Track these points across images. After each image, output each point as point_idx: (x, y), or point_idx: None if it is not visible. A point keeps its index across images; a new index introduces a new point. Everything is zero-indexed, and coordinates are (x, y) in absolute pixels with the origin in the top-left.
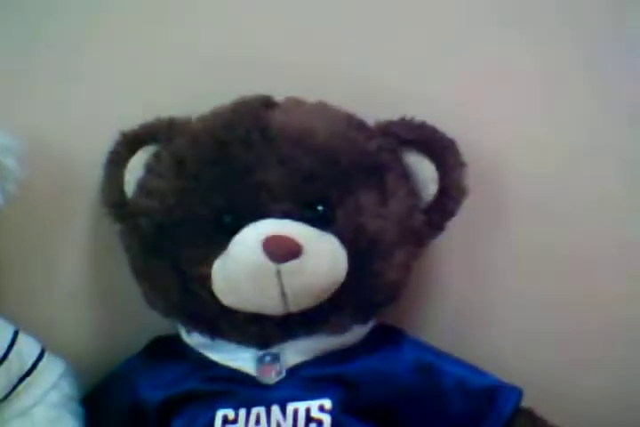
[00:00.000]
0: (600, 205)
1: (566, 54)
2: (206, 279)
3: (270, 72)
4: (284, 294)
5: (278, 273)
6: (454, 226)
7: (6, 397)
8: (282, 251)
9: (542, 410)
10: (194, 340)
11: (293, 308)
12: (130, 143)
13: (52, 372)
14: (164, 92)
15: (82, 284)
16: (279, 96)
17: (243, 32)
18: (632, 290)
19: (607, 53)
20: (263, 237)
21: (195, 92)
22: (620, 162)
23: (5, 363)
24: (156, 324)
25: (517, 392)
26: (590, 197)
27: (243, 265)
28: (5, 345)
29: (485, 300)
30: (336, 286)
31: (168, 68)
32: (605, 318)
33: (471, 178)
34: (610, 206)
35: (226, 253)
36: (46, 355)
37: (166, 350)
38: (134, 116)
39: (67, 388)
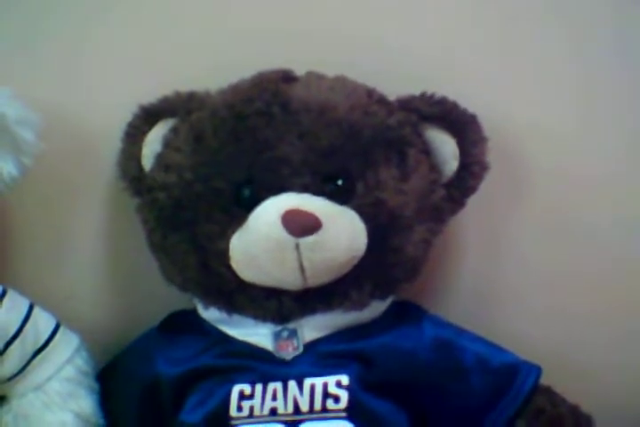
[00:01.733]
0: (620, 177)
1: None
2: (224, 254)
3: (291, 45)
4: (302, 269)
5: (297, 247)
6: (474, 202)
7: (21, 370)
8: (301, 225)
9: (560, 389)
10: (211, 315)
11: (312, 282)
12: (148, 117)
13: (67, 346)
14: (183, 65)
15: (98, 258)
16: (300, 69)
17: (264, 4)
18: None
19: None
20: (283, 210)
21: (213, 65)
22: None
23: (20, 336)
24: (172, 298)
25: (537, 370)
26: (610, 169)
27: (261, 239)
28: (20, 319)
29: (504, 277)
30: (355, 261)
31: (187, 41)
32: (629, 293)
33: (492, 153)
34: (630, 178)
35: (244, 227)
36: (61, 329)
37: (183, 325)
38: (153, 90)
39: (81, 363)
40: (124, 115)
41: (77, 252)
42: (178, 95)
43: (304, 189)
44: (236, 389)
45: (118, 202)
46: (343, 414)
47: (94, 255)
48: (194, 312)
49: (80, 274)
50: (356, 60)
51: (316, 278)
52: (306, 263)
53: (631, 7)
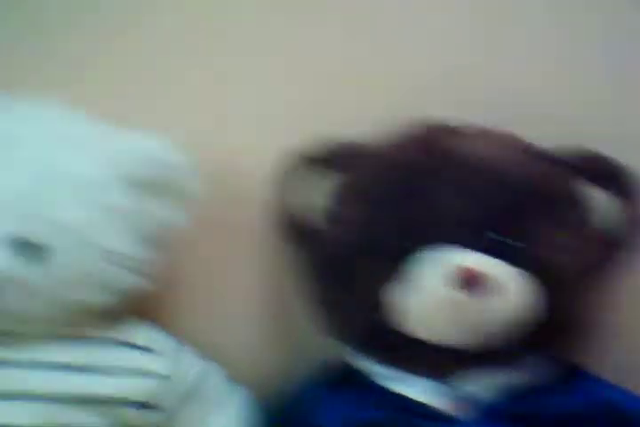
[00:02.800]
0: None
1: None
2: (388, 309)
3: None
4: (472, 328)
5: (467, 306)
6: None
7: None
8: (476, 284)
9: None
10: (374, 369)
11: (480, 341)
12: (308, 166)
13: (239, 403)
14: (337, 110)
15: (254, 309)
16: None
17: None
18: None
19: None
20: (456, 268)
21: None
22: None
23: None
24: (326, 351)
25: None
26: None
27: (432, 296)
28: (197, 373)
29: None
30: (524, 322)
31: (343, 88)
32: None
33: None
34: None
35: (411, 282)
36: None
37: (344, 377)
38: (305, 135)
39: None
40: (279, 161)
41: (233, 300)
42: (338, 145)
43: (472, 246)
44: None
45: (274, 254)
46: None
47: (250, 306)
48: (353, 365)
49: (236, 324)
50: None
51: (485, 338)
52: (476, 323)
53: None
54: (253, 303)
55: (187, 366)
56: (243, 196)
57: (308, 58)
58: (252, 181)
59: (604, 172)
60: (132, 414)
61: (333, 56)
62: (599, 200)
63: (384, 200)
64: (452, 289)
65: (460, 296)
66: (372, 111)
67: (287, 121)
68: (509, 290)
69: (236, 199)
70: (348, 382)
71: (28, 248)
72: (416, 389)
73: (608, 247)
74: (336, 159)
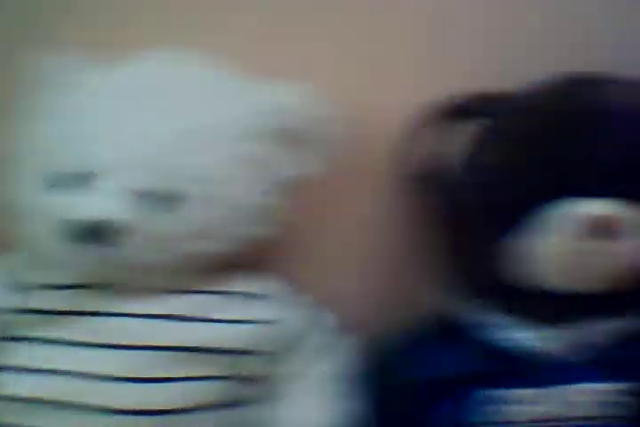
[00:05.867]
0: None
1: None
2: (515, 258)
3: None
4: (595, 274)
5: (596, 252)
6: None
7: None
8: (606, 231)
9: None
10: (480, 317)
11: (603, 287)
12: (453, 115)
13: (345, 349)
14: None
15: (369, 258)
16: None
17: None
18: None
19: None
20: (590, 216)
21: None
22: None
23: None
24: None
25: None
26: None
27: (562, 242)
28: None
29: None
30: None
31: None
32: None
33: None
34: None
35: (544, 228)
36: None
37: (450, 328)
38: (436, 92)
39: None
40: (409, 115)
41: (353, 251)
42: (484, 93)
43: (612, 195)
44: (506, 394)
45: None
46: (620, 422)
47: (369, 254)
48: (459, 317)
49: (354, 273)
50: None
51: (604, 284)
52: (601, 269)
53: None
54: (370, 251)
55: (295, 312)
56: (372, 147)
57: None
58: (382, 136)
59: None
60: (239, 360)
61: (459, 12)
62: None
63: (526, 143)
64: (581, 238)
65: (589, 243)
66: (500, 67)
67: (416, 78)
68: (636, 235)
69: (366, 151)
70: (455, 334)
71: (157, 199)
72: (529, 335)
73: None
74: (475, 106)
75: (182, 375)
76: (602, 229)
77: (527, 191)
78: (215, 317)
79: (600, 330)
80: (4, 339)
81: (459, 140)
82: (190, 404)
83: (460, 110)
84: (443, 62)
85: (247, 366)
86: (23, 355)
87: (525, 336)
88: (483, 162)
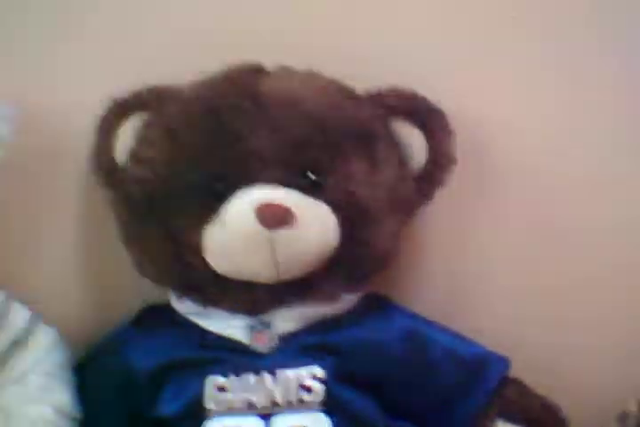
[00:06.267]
0: (589, 172)
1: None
2: (198, 247)
3: (259, 42)
4: (275, 262)
5: (271, 240)
6: (445, 197)
7: None
8: (275, 218)
9: (529, 382)
10: (185, 307)
11: (285, 275)
12: (120, 110)
13: (45, 340)
14: (154, 59)
15: (72, 252)
16: (269, 66)
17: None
18: (627, 258)
19: None
20: (256, 204)
21: (184, 61)
22: (612, 126)
23: None
24: (146, 292)
25: (505, 362)
26: (579, 166)
27: (235, 232)
28: None
29: (473, 272)
30: (327, 254)
31: (158, 36)
32: (600, 291)
33: (459, 147)
34: (602, 173)
35: (218, 220)
36: (38, 323)
37: (157, 318)
38: (125, 83)
39: (59, 356)
40: (96, 109)
41: (50, 246)
42: (149, 89)
43: (276, 182)
44: (210, 381)
45: (91, 196)
46: (318, 407)
47: (68, 250)
48: (168, 305)
49: (54, 268)
50: (323, 56)
51: (289, 271)
52: (279, 256)
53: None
54: (71, 248)
55: None
56: (60, 145)
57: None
58: (74, 130)
59: (416, 109)
60: None
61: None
62: (410, 137)
63: (189, 139)
64: (250, 223)
65: (262, 230)
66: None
67: (110, 72)
68: (311, 222)
69: (54, 149)
70: (163, 322)
71: None
72: (224, 324)
73: (418, 183)
74: (141, 101)
75: None
76: (269, 215)
77: (188, 184)
78: None
79: (297, 317)
80: None
81: (129, 135)
82: None
83: (128, 105)
84: (135, 58)
85: None
86: None
87: (229, 325)
88: (144, 156)
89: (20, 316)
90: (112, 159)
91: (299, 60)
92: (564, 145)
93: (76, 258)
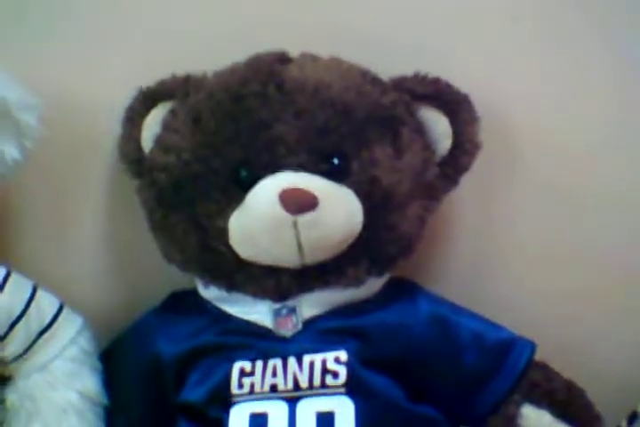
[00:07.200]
0: (614, 147)
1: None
2: (223, 232)
3: (284, 31)
4: (300, 246)
5: (295, 225)
6: (468, 179)
7: (26, 351)
8: (298, 203)
9: (556, 365)
10: (211, 293)
11: (309, 260)
12: (147, 100)
13: (71, 327)
14: (181, 48)
15: (100, 239)
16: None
17: None
18: None
19: None
20: (280, 189)
21: (210, 50)
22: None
23: (25, 317)
24: (173, 279)
25: (531, 346)
26: (605, 140)
27: (260, 217)
28: (24, 300)
29: (500, 254)
30: (351, 239)
31: (184, 26)
32: (626, 269)
33: (485, 132)
34: (625, 147)
35: (243, 206)
36: (65, 310)
37: (183, 304)
38: (153, 74)
39: (85, 343)
40: (123, 99)
41: (79, 234)
42: (175, 78)
43: (300, 167)
44: (236, 366)
45: (119, 184)
46: (342, 390)
47: (96, 237)
48: (194, 291)
49: (82, 256)
50: (348, 43)
51: (314, 256)
52: (303, 241)
53: None
54: (99, 236)
55: (15, 293)
56: (88, 134)
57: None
58: (102, 120)
59: (441, 95)
60: None
61: None
62: (435, 123)
63: (213, 126)
64: (275, 208)
65: (286, 216)
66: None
67: (138, 62)
68: (335, 207)
69: (82, 138)
70: (189, 308)
71: None
72: (249, 310)
73: (442, 168)
74: (167, 90)
75: None
76: (293, 200)
77: (214, 170)
78: None
79: (322, 302)
80: None
81: (156, 124)
82: None
83: (155, 95)
84: (161, 46)
85: None
86: None
87: (254, 310)
88: (170, 143)
89: (47, 303)
90: (139, 148)
91: (322, 47)
92: (587, 126)
93: (103, 246)
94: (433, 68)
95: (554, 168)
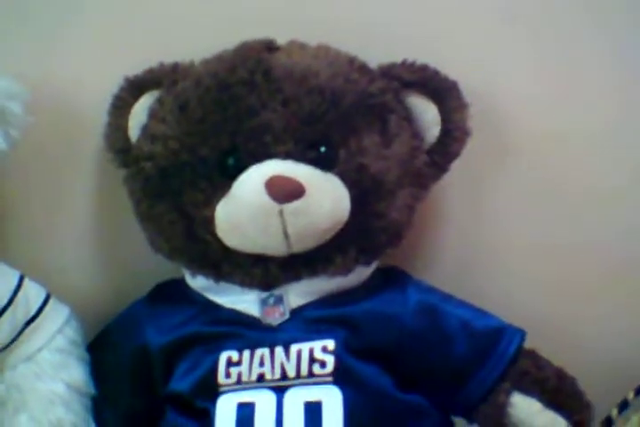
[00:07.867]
0: (608, 133)
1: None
2: (210, 221)
3: (271, 17)
4: (286, 235)
5: (281, 213)
6: (458, 168)
7: (12, 341)
8: (285, 191)
9: (545, 353)
10: (198, 283)
11: (296, 248)
12: (134, 88)
13: (57, 317)
14: (168, 37)
15: (86, 230)
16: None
17: None
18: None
19: None
20: (266, 177)
21: (198, 37)
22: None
23: (11, 308)
24: (160, 269)
25: (521, 333)
26: (597, 127)
27: (246, 205)
28: (11, 290)
29: (489, 243)
30: (339, 227)
31: (172, 14)
32: (617, 258)
33: (473, 119)
34: (620, 134)
35: (229, 194)
36: (51, 300)
37: (171, 294)
38: (140, 63)
39: (72, 333)
40: (110, 87)
41: (66, 224)
42: (162, 66)
43: (287, 156)
44: (223, 355)
45: (107, 173)
46: (330, 379)
47: (82, 227)
48: (182, 281)
49: (69, 246)
50: (335, 31)
51: (301, 244)
52: (290, 229)
53: None
54: (86, 225)
55: (1, 283)
56: (75, 123)
57: None
58: (85, 109)
59: (429, 82)
60: None
61: None
62: (423, 110)
63: (200, 113)
64: (261, 196)
65: (272, 204)
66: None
67: (124, 51)
68: (322, 195)
69: (69, 127)
70: (176, 298)
71: None
72: (236, 299)
73: (431, 156)
74: (154, 79)
75: None
76: (279, 189)
77: (200, 159)
78: None
79: (310, 290)
80: None
81: (143, 113)
82: None
83: (142, 83)
84: (148, 35)
85: None
86: None
87: (241, 300)
88: (156, 132)
89: (33, 293)
90: (126, 138)
91: (310, 35)
92: (578, 112)
93: (90, 236)
94: (420, 56)
95: (544, 159)
